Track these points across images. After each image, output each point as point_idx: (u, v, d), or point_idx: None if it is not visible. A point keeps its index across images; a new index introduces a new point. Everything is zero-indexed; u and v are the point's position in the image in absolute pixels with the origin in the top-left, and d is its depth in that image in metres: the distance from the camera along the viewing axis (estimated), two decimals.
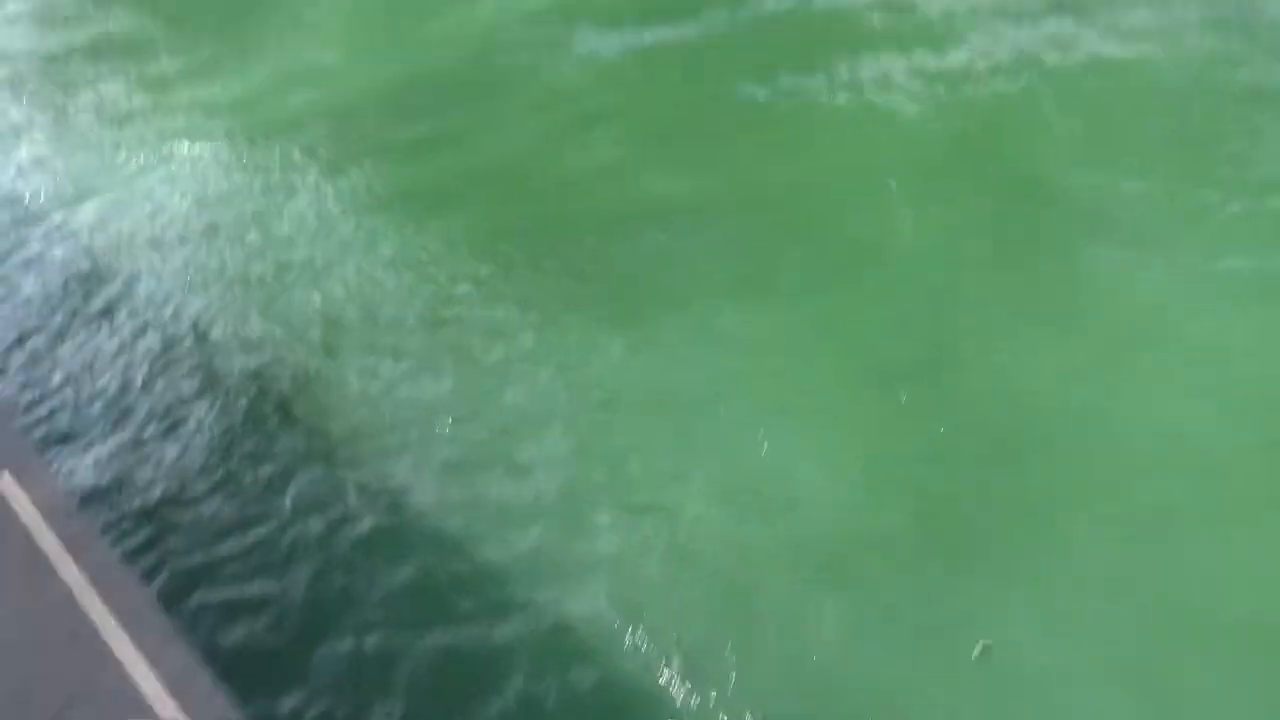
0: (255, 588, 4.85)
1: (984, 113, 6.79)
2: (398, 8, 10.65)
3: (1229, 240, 5.39)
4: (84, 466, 5.63)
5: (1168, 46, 7.00)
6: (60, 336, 6.65)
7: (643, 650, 4.18)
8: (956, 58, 7.32)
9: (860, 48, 7.67)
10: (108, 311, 6.78)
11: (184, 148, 8.56)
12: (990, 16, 7.73)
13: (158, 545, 5.10)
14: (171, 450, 5.57)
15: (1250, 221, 5.45)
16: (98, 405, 6.01)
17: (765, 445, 4.84)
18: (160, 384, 6.04)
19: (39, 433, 5.93)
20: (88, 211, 7.94)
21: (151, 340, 6.41)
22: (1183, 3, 7.47)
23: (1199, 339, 4.90)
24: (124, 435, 5.76)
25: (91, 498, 5.46)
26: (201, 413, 5.77)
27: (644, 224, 6.36)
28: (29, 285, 7.23)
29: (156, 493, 5.36)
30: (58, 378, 6.26)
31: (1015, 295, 5.33)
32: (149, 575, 4.95)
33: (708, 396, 5.12)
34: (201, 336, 6.33)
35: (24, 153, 9.05)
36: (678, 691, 4.02)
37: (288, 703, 4.29)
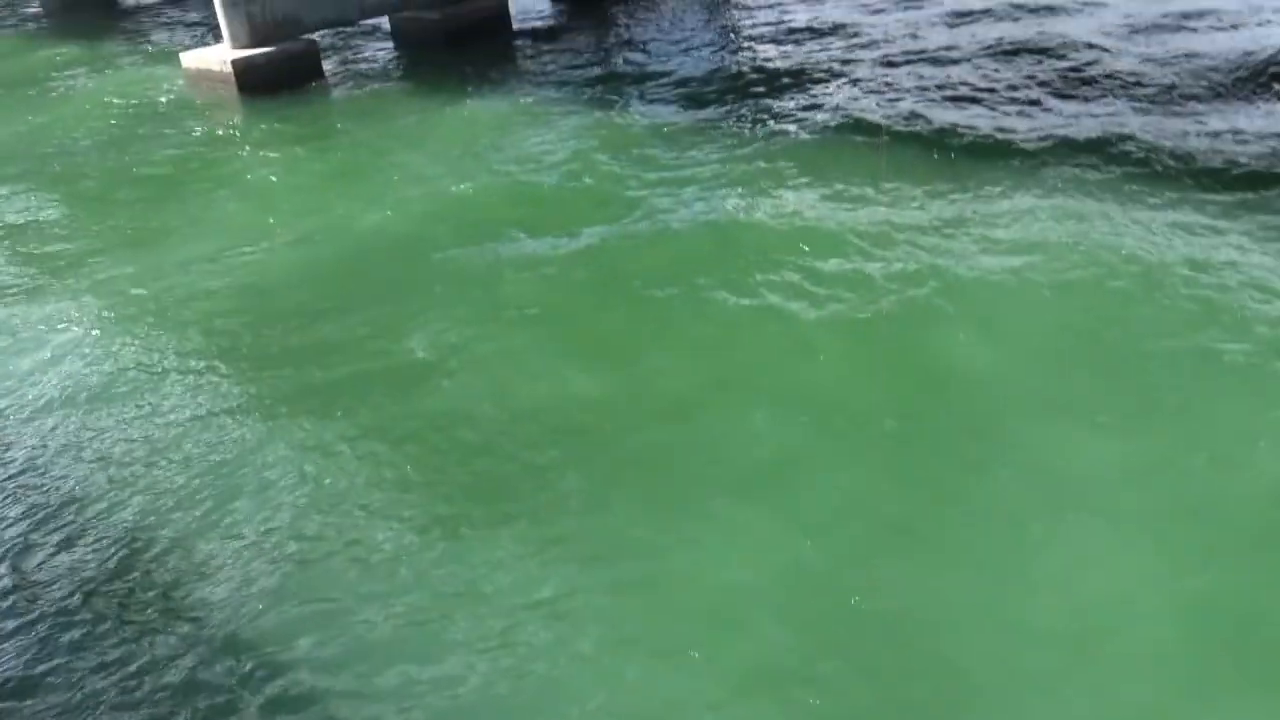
0: None
1: (883, 321, 7.05)
2: (325, 199, 10.88)
3: (1123, 451, 5.56)
4: None
5: (1048, 261, 7.47)
6: None
7: None
8: (854, 268, 7.69)
9: (765, 257, 8.06)
10: None
11: (78, 329, 8.35)
12: (884, 231, 8.22)
13: None
14: (28, 650, 5.17)
15: (1145, 438, 5.65)
16: None
17: (659, 668, 4.63)
18: (22, 567, 5.67)
19: None
20: None
21: (14, 522, 6.05)
22: (1057, 222, 8.05)
23: (1107, 563, 4.96)
24: None
25: None
26: (68, 604, 5.39)
27: (554, 425, 6.30)
28: None
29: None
30: None
31: (917, 514, 5.31)
32: None
33: (607, 613, 4.93)
34: (76, 520, 5.99)
35: None
36: None
37: None
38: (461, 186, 10.49)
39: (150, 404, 7.11)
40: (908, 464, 5.68)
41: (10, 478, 6.51)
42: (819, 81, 12.73)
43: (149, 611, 5.33)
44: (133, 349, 7.89)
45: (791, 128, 11.05)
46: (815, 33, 15.29)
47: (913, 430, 5.93)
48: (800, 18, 16.46)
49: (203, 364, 7.57)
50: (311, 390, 7.03)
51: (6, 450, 6.80)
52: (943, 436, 5.86)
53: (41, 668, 5.05)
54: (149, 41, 21.59)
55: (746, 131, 11.14)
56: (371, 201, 10.39)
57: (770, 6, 17.77)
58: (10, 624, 5.33)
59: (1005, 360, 6.49)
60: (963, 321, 6.94)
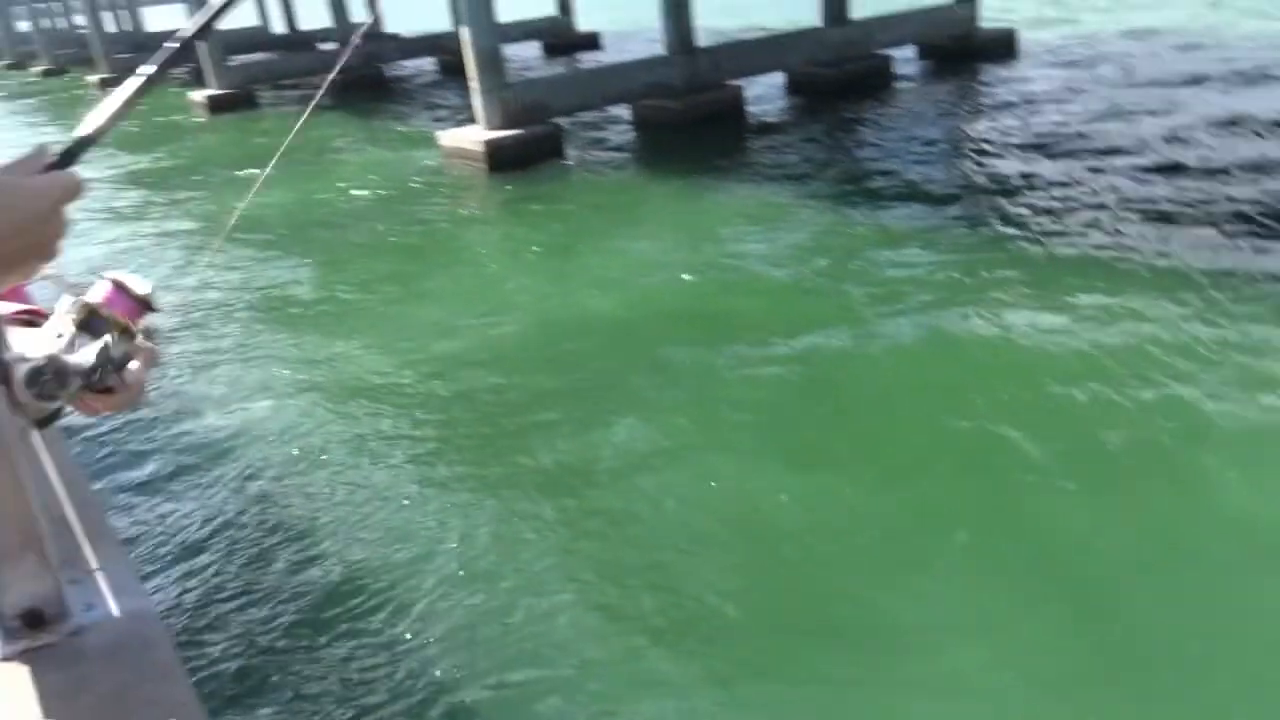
0: None
1: (1120, 457, 6.44)
2: (550, 279, 11.32)
3: None
4: None
5: None
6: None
7: None
8: (1087, 396, 7.15)
9: (990, 376, 7.64)
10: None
11: (306, 386, 8.97)
12: (1125, 357, 7.64)
13: None
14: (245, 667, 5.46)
15: None
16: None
17: None
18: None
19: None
20: (203, 424, 8.31)
21: (227, 556, 6.48)
22: None
23: None
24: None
25: None
26: (274, 628, 5.67)
27: (750, 539, 6.07)
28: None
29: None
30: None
31: (1163, 692, 4.67)
32: None
33: None
34: (283, 556, 6.32)
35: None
36: None
37: None
38: (682, 277, 10.64)
39: (362, 464, 7.47)
40: (1153, 633, 5.03)
41: (235, 513, 6.99)
42: (1059, 190, 12.22)
43: (342, 651, 5.53)
44: (356, 410, 8.35)
45: (1027, 240, 10.59)
46: (1059, 137, 14.77)
47: (1162, 594, 5.27)
48: (1044, 120, 15.97)
49: (414, 430, 7.92)
50: (513, 468, 7.18)
51: (238, 490, 7.30)
52: (1200, 606, 5.11)
53: (253, 685, 5.34)
54: (411, 120, 23.40)
55: (977, 241, 10.76)
56: (592, 284, 10.71)
57: (1011, 106, 17.36)
58: (225, 645, 5.66)
59: (1269, 520, 5.68)
60: (1214, 466, 6.24)
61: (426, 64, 34.42)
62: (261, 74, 31.56)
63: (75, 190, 1.06)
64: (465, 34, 17.03)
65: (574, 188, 15.59)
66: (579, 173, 16.49)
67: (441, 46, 33.50)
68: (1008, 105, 17.59)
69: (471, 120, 17.94)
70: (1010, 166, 13.55)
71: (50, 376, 1.08)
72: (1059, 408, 7.08)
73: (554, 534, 6.33)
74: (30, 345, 1.11)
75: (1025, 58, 22.05)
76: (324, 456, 7.65)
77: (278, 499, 7.16)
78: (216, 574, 6.38)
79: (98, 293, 1.15)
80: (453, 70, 29.15)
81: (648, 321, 9.56)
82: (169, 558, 6.61)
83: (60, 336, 1.12)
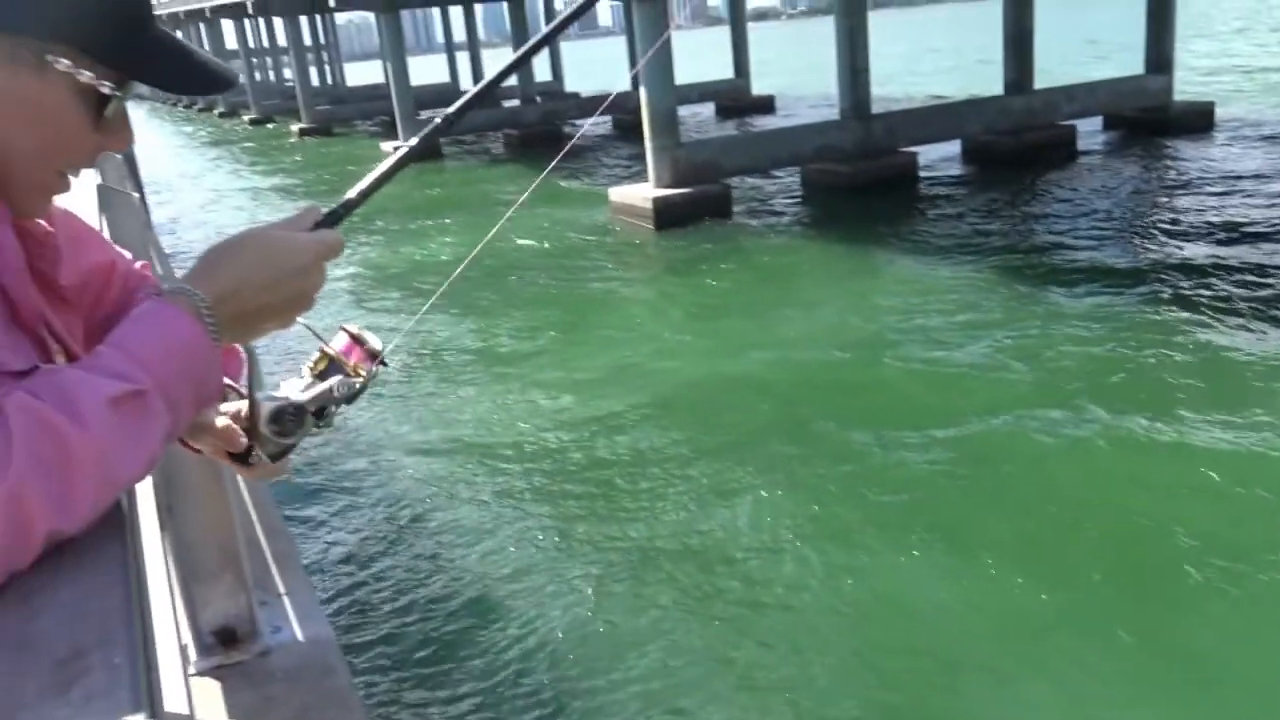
0: None
1: None
2: (701, 340, 11.38)
3: None
4: None
5: None
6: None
7: None
8: None
9: (1177, 491, 7.00)
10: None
11: (458, 436, 9.21)
12: None
13: None
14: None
15: None
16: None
17: None
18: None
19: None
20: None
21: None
22: None
23: None
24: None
25: None
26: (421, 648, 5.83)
27: (886, 640, 5.73)
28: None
29: None
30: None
31: None
32: None
33: None
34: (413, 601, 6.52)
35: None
36: None
37: None
38: (839, 345, 10.47)
39: (510, 510, 7.57)
40: None
41: (382, 550, 7.22)
42: (1252, 277, 11.47)
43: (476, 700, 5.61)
44: (507, 457, 8.50)
45: (1213, 329, 9.81)
46: (1256, 220, 13.94)
47: None
48: (1240, 200, 15.15)
49: (563, 482, 7.99)
50: (654, 526, 7.13)
51: (386, 525, 7.55)
52: None
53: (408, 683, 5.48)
54: (582, 176, 24.10)
55: (1158, 327, 10.09)
56: (748, 348, 10.65)
57: (1204, 183, 16.56)
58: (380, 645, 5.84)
59: None
60: None
61: (603, 122, 35.49)
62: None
63: (336, 248, 1.17)
64: (643, 94, 17.49)
65: (739, 249, 15.68)
66: (744, 233, 16.58)
67: (618, 105, 34.47)
68: (1200, 182, 16.78)
69: (640, 178, 18.34)
70: (1199, 249, 12.86)
71: (292, 416, 1.19)
72: (1241, 513, 6.56)
73: (690, 596, 6.27)
74: (280, 386, 1.23)
75: (1220, 132, 21.04)
76: (474, 501, 7.84)
77: (424, 539, 7.36)
78: (363, 606, 6.61)
79: (338, 343, 1.26)
80: (627, 129, 29.93)
81: (801, 390, 9.43)
82: (321, 587, 6.90)
83: (302, 379, 1.24)
